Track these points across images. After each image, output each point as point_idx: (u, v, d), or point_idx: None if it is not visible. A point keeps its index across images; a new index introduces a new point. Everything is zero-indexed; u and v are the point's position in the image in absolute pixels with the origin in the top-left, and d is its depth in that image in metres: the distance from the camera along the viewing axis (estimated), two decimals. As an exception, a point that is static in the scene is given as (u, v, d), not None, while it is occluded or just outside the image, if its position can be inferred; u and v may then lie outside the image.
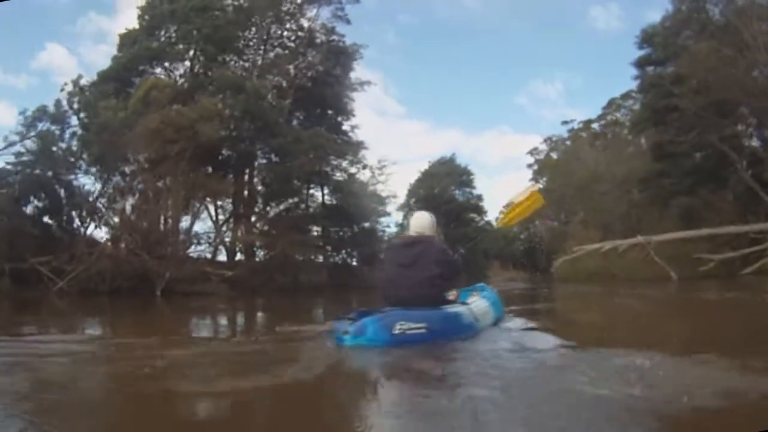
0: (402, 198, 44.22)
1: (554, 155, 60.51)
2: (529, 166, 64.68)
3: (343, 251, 39.14)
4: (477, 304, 5.26)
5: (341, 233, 38.16)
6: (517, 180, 75.25)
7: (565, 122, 60.52)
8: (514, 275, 51.89)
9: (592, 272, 27.35)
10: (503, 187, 73.84)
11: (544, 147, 62.33)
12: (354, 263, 40.14)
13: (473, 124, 73.99)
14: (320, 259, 36.47)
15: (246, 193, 33.00)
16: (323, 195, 37.73)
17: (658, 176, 27.02)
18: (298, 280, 28.45)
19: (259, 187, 34.27)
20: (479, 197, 48.60)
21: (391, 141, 77.46)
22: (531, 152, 64.10)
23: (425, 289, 4.50)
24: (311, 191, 37.34)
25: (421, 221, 4.97)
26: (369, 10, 44.91)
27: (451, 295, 4.98)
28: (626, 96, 49.68)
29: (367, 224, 39.40)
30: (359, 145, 37.88)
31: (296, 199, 34.77)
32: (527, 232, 57.51)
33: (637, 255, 26.06)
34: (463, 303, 5.05)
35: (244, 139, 29.34)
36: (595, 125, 55.31)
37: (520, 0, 58.74)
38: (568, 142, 58.55)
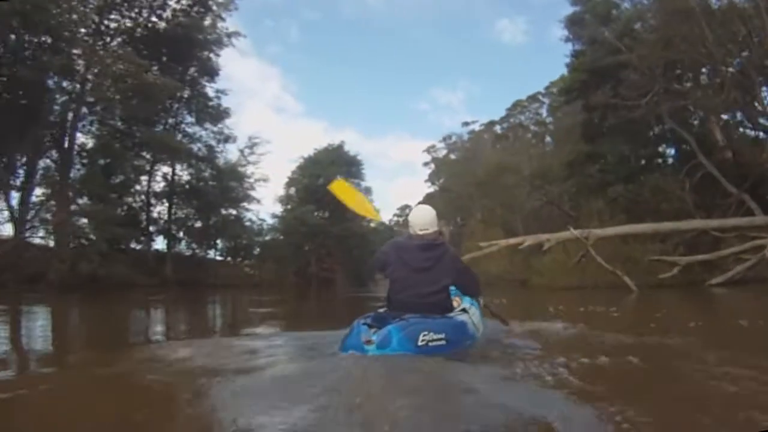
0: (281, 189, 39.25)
1: (453, 156, 57.37)
2: (426, 164, 60.95)
3: (204, 242, 31.26)
4: (473, 312, 4.57)
5: (195, 219, 30.09)
6: (413, 184, 73.35)
7: (466, 123, 57.62)
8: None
9: (495, 277, 24.22)
10: (400, 190, 70.50)
11: (442, 146, 58.88)
12: (217, 257, 32.72)
13: (372, 127, 70.60)
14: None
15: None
16: (173, 169, 28.79)
17: (587, 160, 20.79)
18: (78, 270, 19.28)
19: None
20: (368, 190, 40.78)
21: (287, 139, 76.71)
22: (428, 150, 59.78)
23: (438, 297, 4.01)
24: (160, 167, 28.68)
25: (426, 217, 4.23)
26: (272, 4, 40.99)
27: (454, 301, 4.37)
28: (533, 98, 46.74)
29: (232, 211, 32.08)
30: (222, 113, 29.79)
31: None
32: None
33: (557, 257, 20.04)
34: (463, 311, 4.36)
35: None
36: (497, 127, 52.27)
37: (427, 6, 56.38)
38: (467, 145, 55.84)
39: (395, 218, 61.78)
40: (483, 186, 35.97)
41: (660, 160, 20.93)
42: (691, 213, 16.74)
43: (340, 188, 5.50)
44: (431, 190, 59.38)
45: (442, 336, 3.63)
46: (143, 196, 27.38)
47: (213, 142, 30.00)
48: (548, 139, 43.32)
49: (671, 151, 21.21)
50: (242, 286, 27.50)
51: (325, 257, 37.41)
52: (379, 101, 63.09)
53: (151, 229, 27.79)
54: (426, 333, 3.54)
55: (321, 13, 57.35)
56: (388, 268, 4.15)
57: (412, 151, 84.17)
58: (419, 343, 3.48)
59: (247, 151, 32.38)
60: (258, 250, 34.45)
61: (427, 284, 4.00)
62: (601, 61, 18.96)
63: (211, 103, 29.28)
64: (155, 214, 28.31)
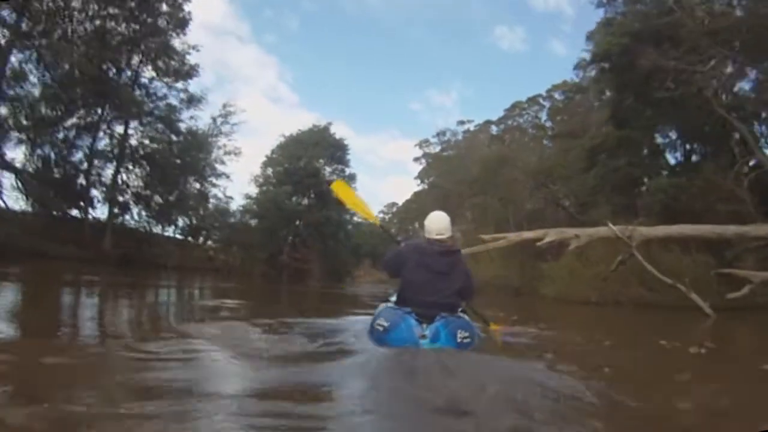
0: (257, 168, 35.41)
1: (446, 154, 53.84)
2: (416, 159, 57.47)
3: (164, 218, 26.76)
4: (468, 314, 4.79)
5: (155, 190, 25.52)
6: (401, 182, 71.25)
7: (461, 122, 54.25)
8: (386, 278, 42.28)
9: (484, 282, 20.19)
10: (388, 188, 68.11)
11: (435, 141, 55.36)
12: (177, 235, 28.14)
13: (364, 123, 68.14)
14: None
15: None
16: (126, 129, 24.17)
17: (616, 148, 16.61)
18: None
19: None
20: (352, 177, 37.10)
21: (282, 129, 69.74)
22: (420, 144, 56.11)
23: (454, 299, 4.29)
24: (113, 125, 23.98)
25: (443, 222, 4.45)
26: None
27: None
28: (533, 100, 43.33)
29: (196, 185, 28.03)
30: (190, 70, 25.33)
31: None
32: (406, 234, 48.86)
33: (571, 262, 15.99)
34: (463, 312, 4.56)
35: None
36: (493, 128, 48.87)
37: (427, 7, 54.11)
38: (462, 144, 52.53)
39: (381, 215, 59.09)
40: (477, 183, 32.06)
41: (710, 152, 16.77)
42: (751, 217, 12.65)
43: (340, 188, 6.04)
44: (420, 188, 56.43)
45: (468, 334, 3.99)
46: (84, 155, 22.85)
47: (176, 102, 25.49)
48: (546, 143, 39.86)
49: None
50: (202, 271, 24.41)
51: (299, 246, 33.57)
52: (373, 98, 60.71)
53: (94, 194, 23.25)
54: (461, 331, 3.93)
55: (321, 5, 54.88)
56: (404, 269, 4.31)
57: (402, 149, 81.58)
58: (458, 340, 3.86)
59: (220, 119, 28.78)
60: (223, 232, 30.32)
61: (446, 287, 4.22)
62: (652, 21, 14.70)
63: (176, 57, 24.74)
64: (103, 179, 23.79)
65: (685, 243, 13.23)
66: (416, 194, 56.80)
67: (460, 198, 38.43)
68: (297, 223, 33.91)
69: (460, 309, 4.41)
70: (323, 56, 55.90)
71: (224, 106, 28.98)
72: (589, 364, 4.03)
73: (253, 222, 32.65)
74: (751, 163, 14.21)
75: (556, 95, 39.02)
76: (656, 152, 16.95)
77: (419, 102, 69.27)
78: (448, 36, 56.12)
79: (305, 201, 34.64)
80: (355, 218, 39.53)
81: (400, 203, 63.76)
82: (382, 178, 75.90)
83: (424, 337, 3.74)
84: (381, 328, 3.94)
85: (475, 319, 4.68)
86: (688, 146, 16.86)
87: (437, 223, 4.37)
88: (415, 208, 54.38)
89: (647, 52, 14.07)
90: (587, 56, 20.60)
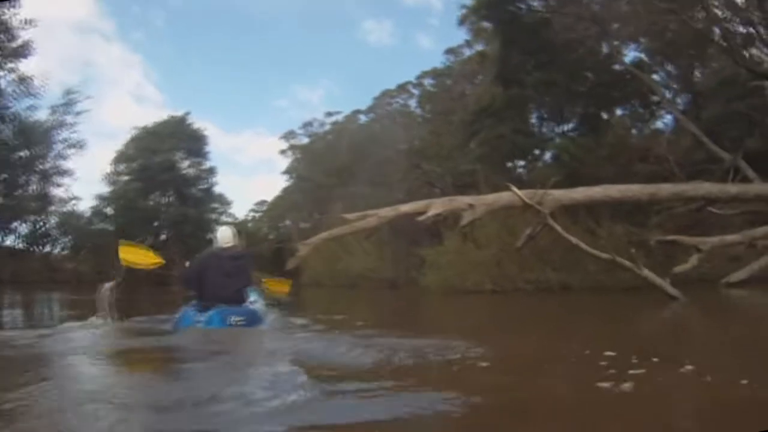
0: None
1: (314, 146, 50.37)
2: (282, 152, 53.01)
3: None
4: (259, 304, 6.17)
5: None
6: (270, 180, 71.02)
7: (329, 114, 50.68)
8: (258, 278, 39.48)
9: (357, 276, 19.64)
10: (257, 186, 64.59)
11: (302, 132, 51.35)
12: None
13: (231, 122, 62.90)
14: None
15: None
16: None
17: (507, 109, 13.72)
18: None
19: None
20: (212, 171, 33.00)
21: None
22: (286, 136, 51.74)
23: (240, 294, 5.54)
24: None
25: (229, 235, 5.76)
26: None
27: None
28: (402, 88, 41.19)
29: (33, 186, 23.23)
30: (21, 49, 19.88)
31: None
32: (277, 231, 45.52)
33: (458, 246, 12.92)
34: (252, 303, 5.86)
35: None
36: (362, 117, 46.24)
37: (296, 2, 50.42)
38: (330, 136, 49.34)
39: (252, 214, 54.54)
40: (346, 169, 29.92)
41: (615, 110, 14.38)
42: (676, 178, 10.21)
43: (126, 251, 6.50)
44: (288, 183, 52.43)
45: (243, 319, 5.24)
46: None
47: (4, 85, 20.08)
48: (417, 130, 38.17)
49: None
50: (43, 284, 20.25)
51: (160, 249, 28.09)
52: (239, 95, 56.29)
53: None
54: (233, 317, 5.14)
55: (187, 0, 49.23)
56: (204, 273, 5.49)
57: (269, 147, 77.17)
58: (229, 323, 5.08)
59: (61, 109, 23.26)
60: (73, 238, 26.10)
61: (234, 284, 5.48)
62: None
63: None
64: None
65: (594, 212, 10.58)
66: (285, 190, 53.12)
67: (330, 189, 35.48)
68: (155, 224, 29.83)
69: (251, 300, 5.80)
70: (188, 54, 50.89)
71: (67, 92, 23.50)
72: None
73: (100, 225, 28.13)
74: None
75: (426, 82, 37.71)
76: (552, 115, 14.37)
77: (286, 98, 65.23)
78: (316, 31, 53.00)
79: (164, 199, 30.35)
80: (222, 217, 35.67)
81: (270, 200, 59.71)
82: (251, 177, 71.10)
83: (200, 322, 5.02)
84: (175, 319, 5.30)
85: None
86: (589, 109, 14.40)
87: (225, 236, 5.74)
88: (285, 205, 50.95)
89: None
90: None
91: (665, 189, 8.80)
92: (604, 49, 13.40)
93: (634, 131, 14.32)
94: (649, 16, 11.38)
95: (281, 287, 7.76)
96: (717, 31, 11.51)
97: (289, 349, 4.16)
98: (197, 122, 33.72)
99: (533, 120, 15.91)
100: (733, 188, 9.13)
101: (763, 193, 9.22)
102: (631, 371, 2.76)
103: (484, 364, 3.23)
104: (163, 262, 6.81)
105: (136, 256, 6.48)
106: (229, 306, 5.21)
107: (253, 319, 5.37)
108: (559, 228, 7.98)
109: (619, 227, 10.09)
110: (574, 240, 7.81)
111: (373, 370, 3.08)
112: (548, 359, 3.53)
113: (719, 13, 11.36)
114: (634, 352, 3.22)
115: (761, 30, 11.12)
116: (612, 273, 8.95)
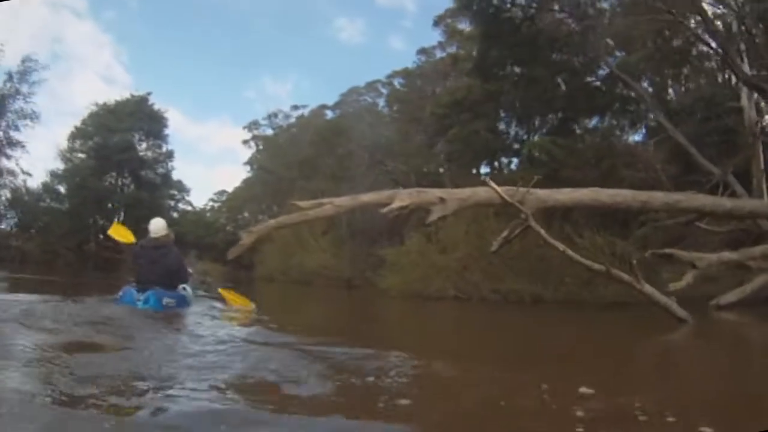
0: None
1: (277, 138, 48.72)
2: (245, 142, 51.23)
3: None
4: (188, 290, 6.69)
5: None
6: (232, 170, 71.36)
7: (295, 107, 49.23)
8: (211, 269, 39.20)
9: (312, 273, 18.97)
10: (220, 176, 66.27)
11: (266, 123, 49.68)
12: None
13: (198, 111, 61.31)
14: None
15: None
16: None
17: (483, 103, 12.76)
18: None
19: None
20: (170, 154, 32.59)
21: None
22: (249, 126, 50.05)
23: (166, 279, 6.18)
24: None
25: (159, 227, 6.41)
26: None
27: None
28: (371, 86, 40.17)
29: None
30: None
31: None
32: (235, 222, 44.02)
33: (420, 247, 11.87)
34: (184, 289, 6.56)
35: None
36: (328, 112, 44.98)
37: None
38: (294, 130, 47.84)
39: (211, 203, 52.87)
40: (309, 162, 28.93)
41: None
42: (662, 188, 9.40)
43: (118, 231, 7.46)
44: (250, 174, 50.75)
45: (173, 301, 6.06)
46: None
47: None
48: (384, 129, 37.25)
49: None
50: None
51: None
52: (207, 84, 55.04)
53: None
54: (167, 298, 5.95)
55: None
56: (138, 260, 6.35)
57: (233, 137, 76.13)
58: (163, 303, 5.86)
59: (17, 77, 22.99)
60: (21, 214, 25.67)
61: (158, 270, 6.15)
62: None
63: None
64: None
65: (570, 219, 9.67)
66: (245, 181, 51.59)
67: (291, 182, 34.12)
68: (108, 205, 29.24)
69: (182, 285, 6.46)
70: (160, 38, 49.14)
71: (23, 60, 23.23)
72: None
73: (60, 206, 27.72)
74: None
75: (396, 82, 36.82)
76: (523, 122, 13.45)
77: (253, 90, 63.89)
78: (289, 27, 51.89)
79: (119, 181, 29.99)
80: (180, 204, 36.85)
81: (230, 191, 57.83)
82: (214, 166, 69.61)
83: (140, 300, 5.79)
84: (118, 296, 5.97)
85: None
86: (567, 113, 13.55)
87: (155, 228, 6.39)
88: (245, 196, 49.55)
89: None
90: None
91: (658, 198, 7.90)
92: (589, 51, 12.61)
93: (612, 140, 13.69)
94: (643, 17, 10.64)
95: (242, 302, 7.59)
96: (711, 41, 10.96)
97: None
98: (160, 105, 32.63)
99: (501, 126, 15.06)
100: (728, 202, 8.34)
101: (758, 210, 8.50)
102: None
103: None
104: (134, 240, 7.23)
105: (125, 236, 7.21)
106: (165, 289, 6.02)
107: (181, 301, 6.23)
108: (542, 231, 6.90)
109: (600, 238, 9.19)
110: (561, 246, 6.75)
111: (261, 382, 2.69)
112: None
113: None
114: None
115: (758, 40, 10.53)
116: (593, 287, 8.02)
